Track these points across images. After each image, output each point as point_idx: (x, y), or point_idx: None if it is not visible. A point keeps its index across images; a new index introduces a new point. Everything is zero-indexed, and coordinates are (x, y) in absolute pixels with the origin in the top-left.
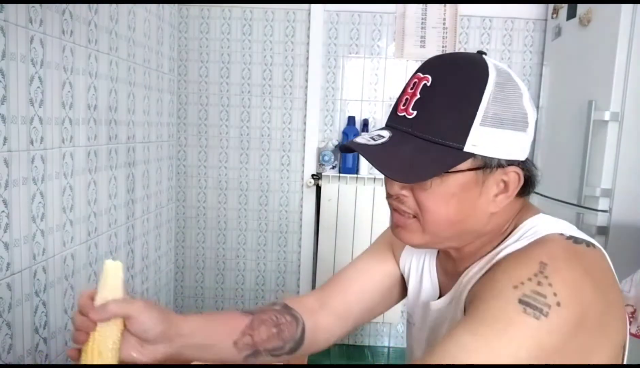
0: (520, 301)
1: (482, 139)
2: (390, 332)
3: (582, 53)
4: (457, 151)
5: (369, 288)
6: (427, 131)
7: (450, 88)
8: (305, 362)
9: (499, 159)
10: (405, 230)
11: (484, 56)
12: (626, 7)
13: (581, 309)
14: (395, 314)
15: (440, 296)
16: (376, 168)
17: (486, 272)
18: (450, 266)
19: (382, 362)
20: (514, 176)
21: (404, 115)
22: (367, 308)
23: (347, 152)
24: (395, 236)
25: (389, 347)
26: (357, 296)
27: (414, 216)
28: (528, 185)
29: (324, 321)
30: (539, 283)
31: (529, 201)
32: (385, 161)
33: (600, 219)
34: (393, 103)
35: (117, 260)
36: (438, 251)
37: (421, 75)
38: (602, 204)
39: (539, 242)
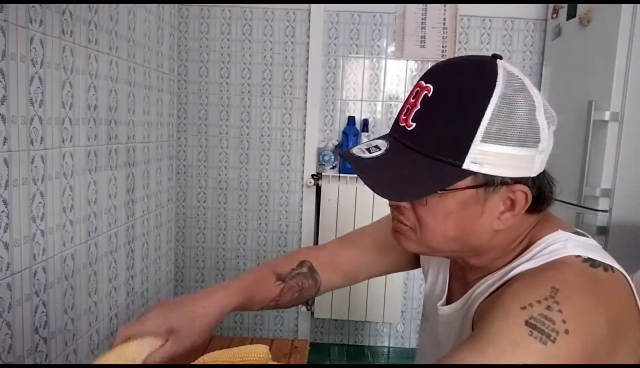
0: (527, 323)
1: (483, 157)
2: (390, 331)
3: (582, 53)
4: (455, 168)
5: (379, 261)
6: (425, 145)
7: (450, 101)
8: (305, 362)
9: (502, 177)
10: (403, 236)
11: (498, 60)
12: (626, 7)
13: (593, 342)
14: (395, 314)
15: (447, 301)
16: (364, 182)
17: (497, 289)
18: (460, 274)
19: (382, 362)
20: (520, 195)
21: (404, 126)
22: (373, 274)
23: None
24: (395, 240)
25: (389, 347)
26: (366, 265)
27: (412, 229)
28: (540, 202)
29: (334, 279)
30: (548, 307)
31: (550, 213)
32: (376, 177)
33: (600, 219)
34: (398, 109)
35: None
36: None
37: (424, 84)
38: (602, 204)
39: (553, 265)
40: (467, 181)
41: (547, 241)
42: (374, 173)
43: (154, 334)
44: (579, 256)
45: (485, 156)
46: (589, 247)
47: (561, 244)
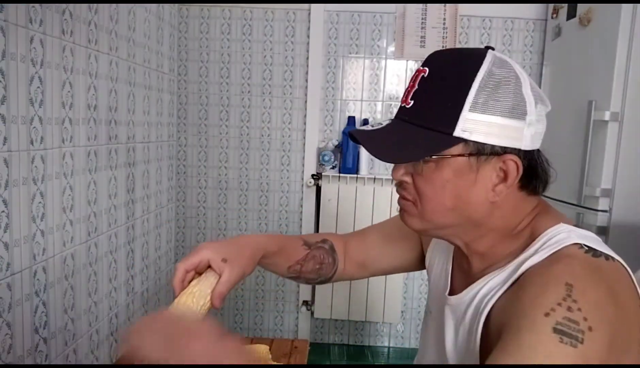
0: (555, 331)
1: (472, 125)
2: (390, 331)
3: (582, 53)
4: (447, 136)
5: (387, 252)
6: (421, 118)
7: (443, 77)
8: (305, 362)
9: (492, 146)
10: (407, 213)
11: (490, 50)
12: (626, 7)
13: (610, 330)
14: (395, 314)
15: (451, 290)
16: (365, 148)
17: (509, 287)
18: (464, 265)
19: (382, 362)
20: (511, 165)
21: (404, 105)
22: (382, 268)
23: (354, 140)
24: (401, 220)
25: (389, 347)
26: (375, 258)
27: (414, 203)
28: (534, 178)
29: (348, 267)
30: (569, 309)
31: (550, 206)
32: (375, 143)
33: (600, 219)
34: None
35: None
36: (454, 249)
37: (421, 68)
38: (602, 204)
39: (559, 257)
40: (459, 149)
41: (551, 234)
42: (374, 141)
43: (210, 263)
44: (581, 247)
45: (474, 124)
46: (590, 239)
47: (565, 234)
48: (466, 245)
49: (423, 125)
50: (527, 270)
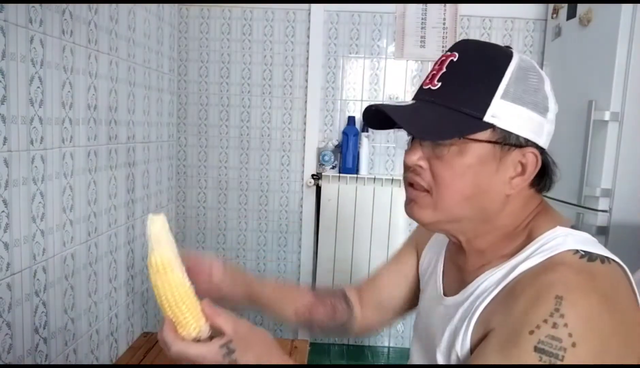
0: (536, 349)
1: (502, 112)
2: (390, 332)
3: (582, 53)
4: (476, 120)
5: (398, 286)
6: (450, 99)
7: (475, 62)
8: (305, 362)
9: (517, 136)
10: (417, 204)
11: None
12: (626, 7)
13: (600, 342)
14: None
15: (444, 291)
16: (399, 123)
17: (502, 290)
18: (460, 260)
19: (382, 362)
20: (531, 158)
21: (429, 87)
22: (400, 303)
23: (369, 124)
24: (408, 214)
25: (389, 347)
26: (388, 293)
27: (427, 191)
28: (544, 176)
29: (366, 313)
30: (554, 325)
31: (549, 206)
32: (407, 119)
33: (600, 219)
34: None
35: (160, 214)
36: (448, 246)
37: (449, 53)
38: (602, 204)
39: (552, 265)
40: (487, 134)
41: (547, 238)
42: (404, 115)
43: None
44: (577, 252)
45: (504, 112)
46: (586, 242)
47: (561, 239)
48: (468, 241)
49: (452, 107)
50: (519, 275)
